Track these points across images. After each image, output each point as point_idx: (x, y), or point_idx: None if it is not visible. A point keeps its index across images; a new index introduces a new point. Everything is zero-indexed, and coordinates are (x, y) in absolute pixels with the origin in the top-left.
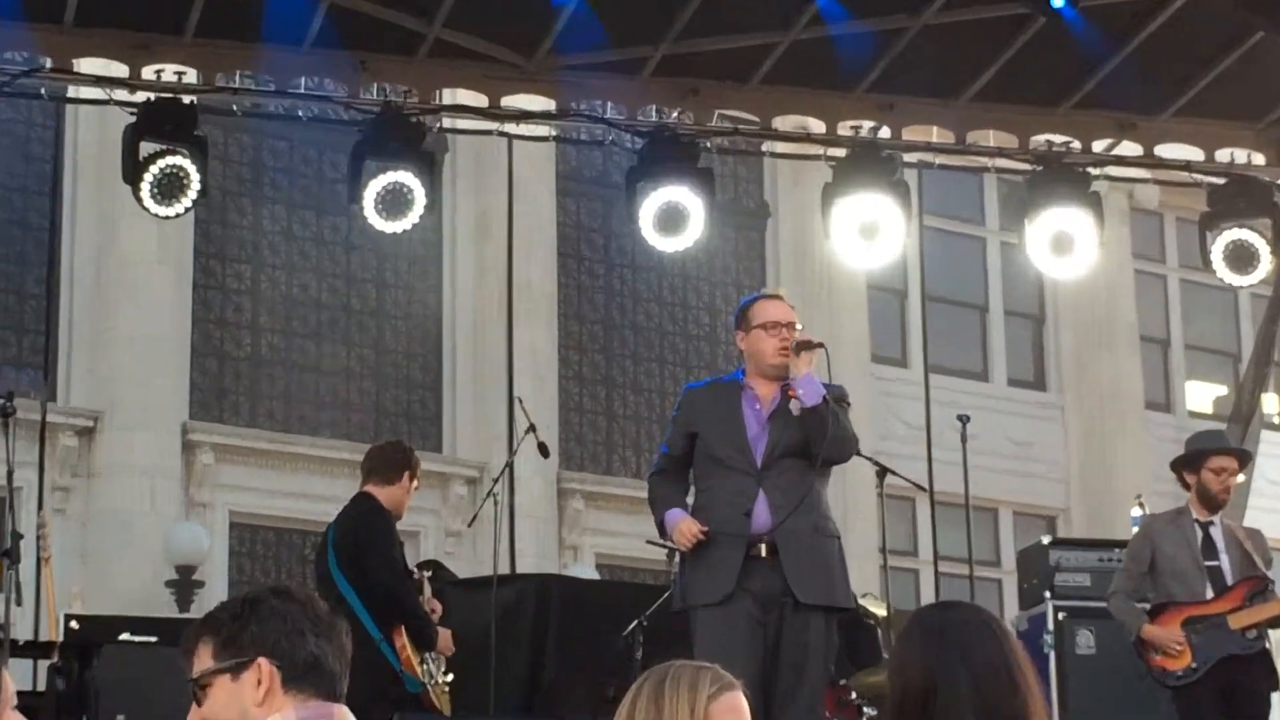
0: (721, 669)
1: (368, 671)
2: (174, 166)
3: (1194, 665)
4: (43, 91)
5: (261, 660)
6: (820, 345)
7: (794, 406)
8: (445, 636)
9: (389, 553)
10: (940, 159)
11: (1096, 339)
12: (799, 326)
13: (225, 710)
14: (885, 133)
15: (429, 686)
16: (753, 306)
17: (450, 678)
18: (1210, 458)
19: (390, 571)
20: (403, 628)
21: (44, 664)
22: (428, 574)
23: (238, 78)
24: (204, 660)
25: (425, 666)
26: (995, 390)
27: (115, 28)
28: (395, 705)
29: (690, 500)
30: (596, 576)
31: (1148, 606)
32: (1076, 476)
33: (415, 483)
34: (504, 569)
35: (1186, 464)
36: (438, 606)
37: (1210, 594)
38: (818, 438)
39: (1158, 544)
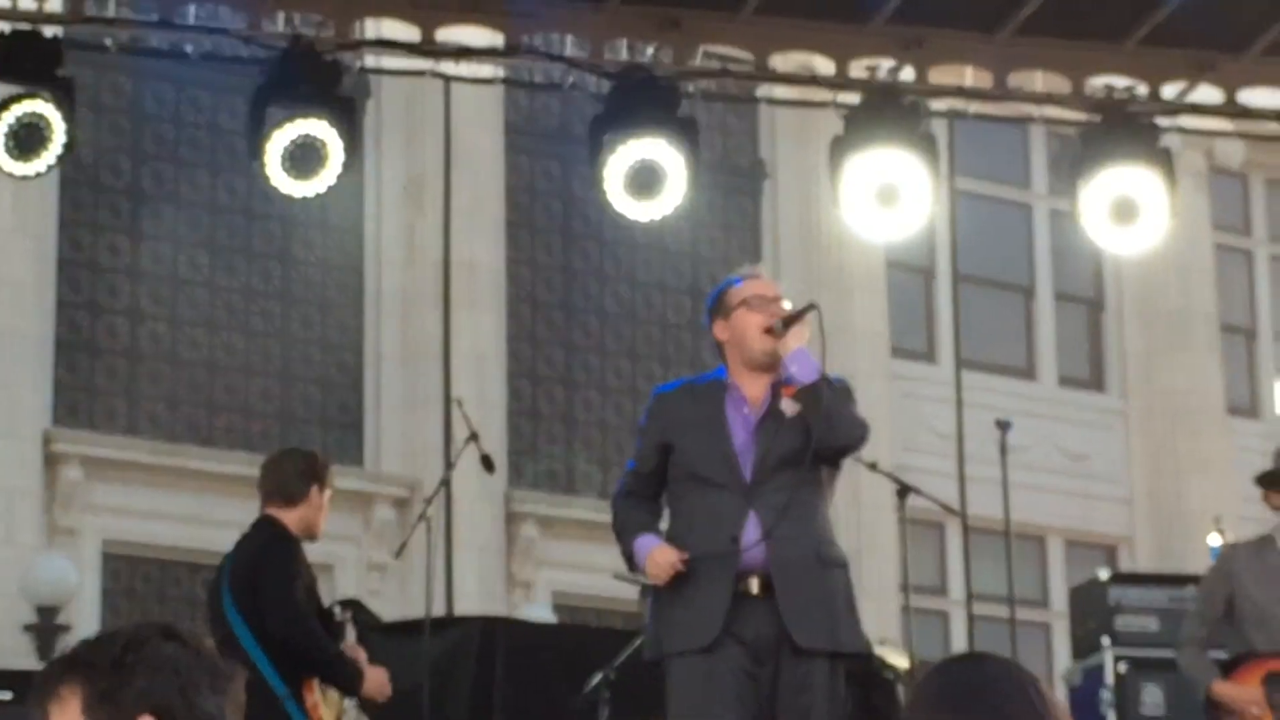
0: None
1: None
2: (33, 115)
3: None
4: None
5: None
6: (810, 308)
7: (787, 406)
8: (378, 675)
9: (287, 590)
10: (976, 107)
11: (1167, 329)
12: (786, 305)
13: None
14: (909, 74)
15: None
16: (729, 290)
17: None
18: None
19: (287, 614)
20: (314, 681)
21: None
22: (348, 615)
23: (111, 5)
24: (68, 712)
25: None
26: (1043, 391)
27: None
28: None
29: (665, 527)
30: (553, 619)
31: (1224, 656)
32: (1142, 497)
33: (329, 492)
34: (439, 610)
35: (1276, 481)
36: (361, 656)
37: None
38: (817, 422)
39: (1239, 580)
